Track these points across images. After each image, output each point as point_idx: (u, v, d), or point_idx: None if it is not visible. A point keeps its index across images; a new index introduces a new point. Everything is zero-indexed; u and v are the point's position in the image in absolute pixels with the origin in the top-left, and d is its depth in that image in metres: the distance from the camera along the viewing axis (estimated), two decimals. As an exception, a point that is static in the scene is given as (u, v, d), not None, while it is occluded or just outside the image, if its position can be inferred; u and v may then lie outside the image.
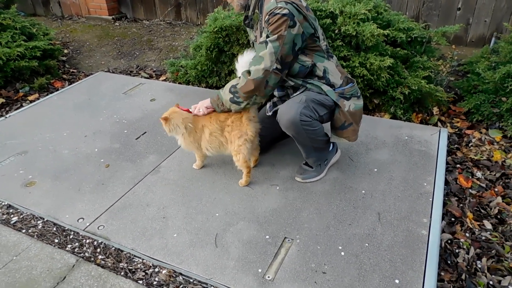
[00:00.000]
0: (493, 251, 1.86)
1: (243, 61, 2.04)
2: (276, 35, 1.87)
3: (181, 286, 1.70)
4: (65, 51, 4.60)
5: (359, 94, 2.15)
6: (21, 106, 3.45)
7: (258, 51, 1.94)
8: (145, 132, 2.87)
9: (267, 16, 1.91)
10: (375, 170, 2.35)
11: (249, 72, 1.95)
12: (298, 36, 1.91)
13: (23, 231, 2.04)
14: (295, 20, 1.87)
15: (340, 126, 2.12)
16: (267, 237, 1.91)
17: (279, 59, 1.91)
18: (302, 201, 2.13)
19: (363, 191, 2.18)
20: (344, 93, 2.08)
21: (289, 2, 1.87)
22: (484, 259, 1.82)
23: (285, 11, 1.85)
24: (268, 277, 1.71)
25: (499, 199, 2.16)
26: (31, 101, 3.53)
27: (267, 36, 1.90)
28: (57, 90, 3.72)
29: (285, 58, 1.92)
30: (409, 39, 3.00)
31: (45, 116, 3.17)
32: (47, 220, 2.11)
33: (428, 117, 2.95)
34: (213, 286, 1.69)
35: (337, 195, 2.16)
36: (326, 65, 2.05)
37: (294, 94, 2.10)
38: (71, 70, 4.24)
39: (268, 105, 2.29)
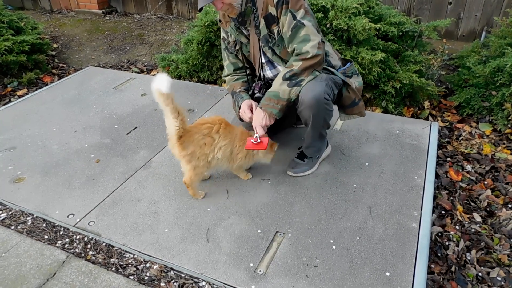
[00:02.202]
0: (482, 243, 1.88)
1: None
2: (302, 10, 1.89)
3: (173, 281, 1.70)
4: (54, 45, 4.53)
5: (357, 72, 2.22)
6: (9, 101, 3.40)
7: (296, 34, 1.90)
8: (136, 127, 2.84)
9: None
10: (367, 164, 2.35)
11: (298, 54, 1.91)
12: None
13: (12, 227, 2.02)
14: None
15: (351, 104, 2.16)
16: (259, 231, 1.91)
17: (318, 30, 1.93)
18: (294, 195, 2.13)
19: (355, 185, 2.19)
20: (346, 73, 2.14)
21: None
22: (473, 251, 1.84)
23: None
24: (260, 271, 1.71)
25: (489, 192, 2.18)
26: (19, 96, 3.48)
27: (294, 17, 1.89)
28: (46, 85, 3.67)
29: (318, 30, 1.95)
30: (400, 33, 3.00)
31: (34, 111, 3.12)
32: (36, 216, 2.08)
33: (419, 111, 2.97)
34: (205, 281, 1.69)
35: (329, 189, 2.17)
36: (326, 48, 2.07)
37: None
38: (61, 64, 4.19)
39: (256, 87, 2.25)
